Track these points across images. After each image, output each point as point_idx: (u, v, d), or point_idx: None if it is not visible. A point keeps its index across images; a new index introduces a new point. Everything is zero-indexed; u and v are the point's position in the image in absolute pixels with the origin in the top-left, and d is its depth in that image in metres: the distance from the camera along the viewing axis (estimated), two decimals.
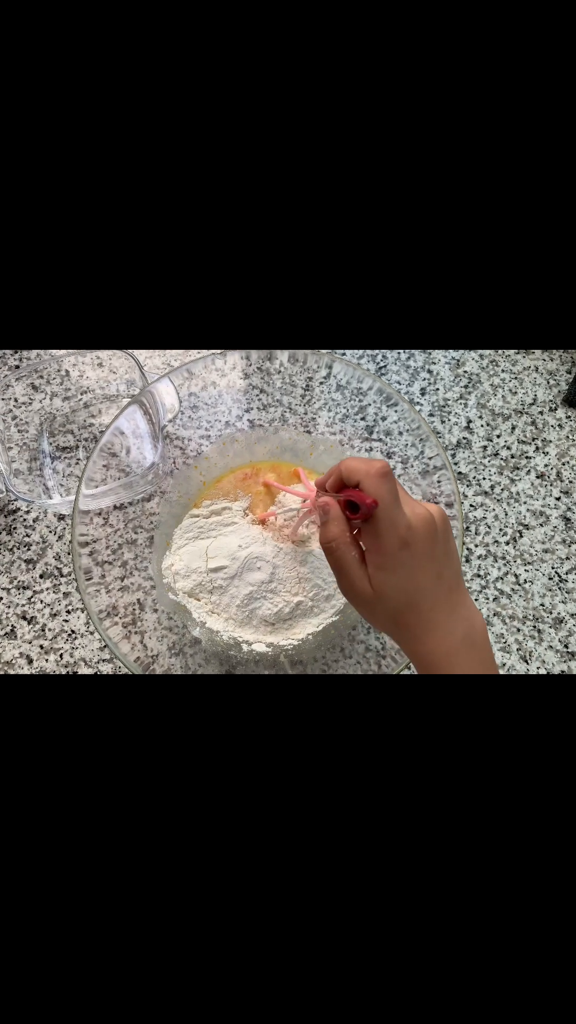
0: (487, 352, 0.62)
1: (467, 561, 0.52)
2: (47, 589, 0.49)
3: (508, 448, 0.57)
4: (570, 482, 0.55)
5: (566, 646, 0.48)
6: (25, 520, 0.52)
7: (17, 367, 0.58)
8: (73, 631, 0.48)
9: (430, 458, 0.45)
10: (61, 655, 0.47)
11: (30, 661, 0.47)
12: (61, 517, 0.52)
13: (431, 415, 0.59)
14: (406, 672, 0.44)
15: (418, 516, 0.28)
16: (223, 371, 0.51)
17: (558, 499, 0.55)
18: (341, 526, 0.29)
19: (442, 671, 0.28)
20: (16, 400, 0.54)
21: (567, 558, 0.52)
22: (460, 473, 0.56)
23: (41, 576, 0.50)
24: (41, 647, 0.47)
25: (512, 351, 0.62)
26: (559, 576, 0.51)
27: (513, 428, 0.58)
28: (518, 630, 0.49)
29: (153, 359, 0.60)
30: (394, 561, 0.27)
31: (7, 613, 0.48)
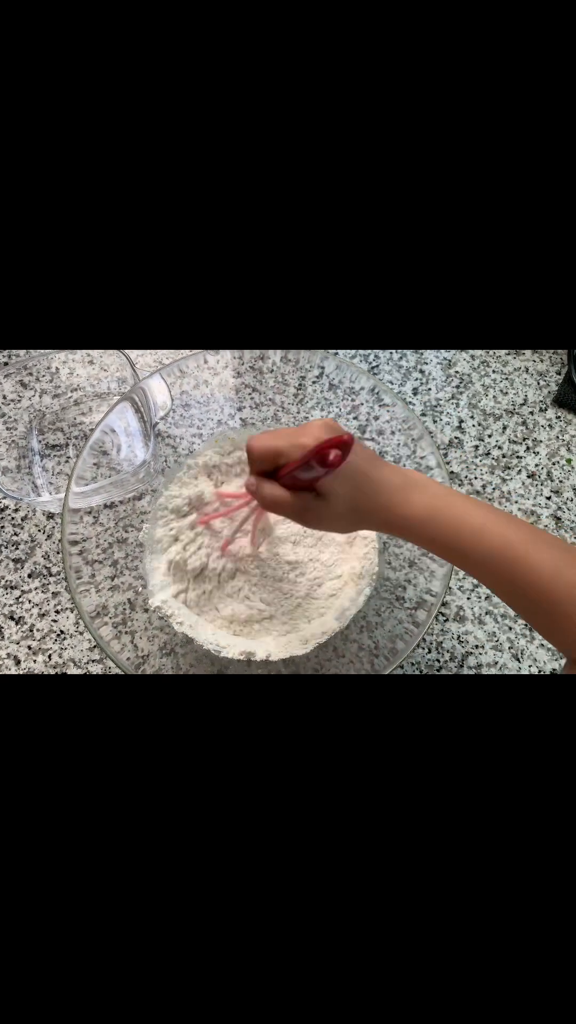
0: (478, 353, 0.62)
1: None
2: (36, 589, 0.48)
3: (499, 448, 0.57)
4: (560, 481, 0.56)
5: None
6: (14, 519, 0.51)
7: (6, 364, 0.57)
8: (62, 631, 0.47)
9: (422, 457, 0.45)
10: (50, 656, 0.46)
11: (18, 662, 0.46)
12: (50, 515, 0.51)
13: (423, 415, 0.59)
14: (398, 672, 0.44)
15: (314, 427, 0.31)
16: (215, 369, 0.50)
17: (548, 498, 0.55)
18: (269, 486, 0.32)
19: (406, 518, 0.31)
20: (4, 397, 0.54)
21: None
22: (452, 472, 0.56)
23: (30, 575, 0.49)
24: (29, 648, 0.46)
25: (503, 352, 0.63)
26: None
27: (504, 428, 0.58)
28: (510, 628, 0.49)
29: (144, 357, 0.60)
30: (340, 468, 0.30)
31: None
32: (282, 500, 0.31)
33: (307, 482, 0.31)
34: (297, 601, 0.46)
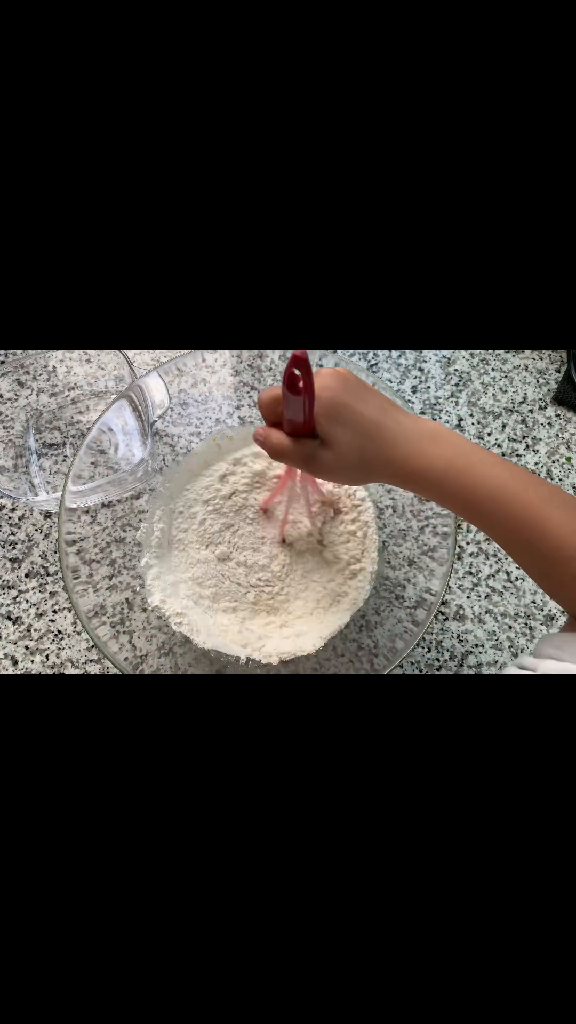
0: (477, 351, 0.62)
1: (459, 559, 0.51)
2: (33, 588, 0.48)
3: (499, 446, 0.57)
4: (560, 480, 0.55)
5: None
6: (10, 518, 0.51)
7: (2, 363, 0.57)
8: (60, 631, 0.47)
9: None
10: (47, 656, 0.46)
11: (15, 662, 0.46)
12: (47, 515, 0.51)
13: (423, 413, 0.59)
14: (397, 671, 0.44)
15: (320, 373, 0.30)
16: (213, 368, 0.50)
17: None
18: (274, 434, 0.31)
19: (424, 473, 0.30)
20: (1, 396, 0.53)
21: None
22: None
23: (27, 575, 0.49)
24: (26, 648, 0.46)
25: (502, 350, 0.63)
26: None
27: (504, 426, 0.58)
28: (510, 627, 0.49)
29: (142, 355, 0.59)
30: (338, 411, 0.30)
31: None
32: (284, 446, 0.31)
33: (301, 425, 0.30)
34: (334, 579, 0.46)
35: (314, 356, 0.50)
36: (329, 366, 0.49)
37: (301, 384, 0.28)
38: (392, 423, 0.30)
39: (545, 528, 0.28)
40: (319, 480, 0.43)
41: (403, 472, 0.30)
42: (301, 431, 0.31)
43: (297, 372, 0.27)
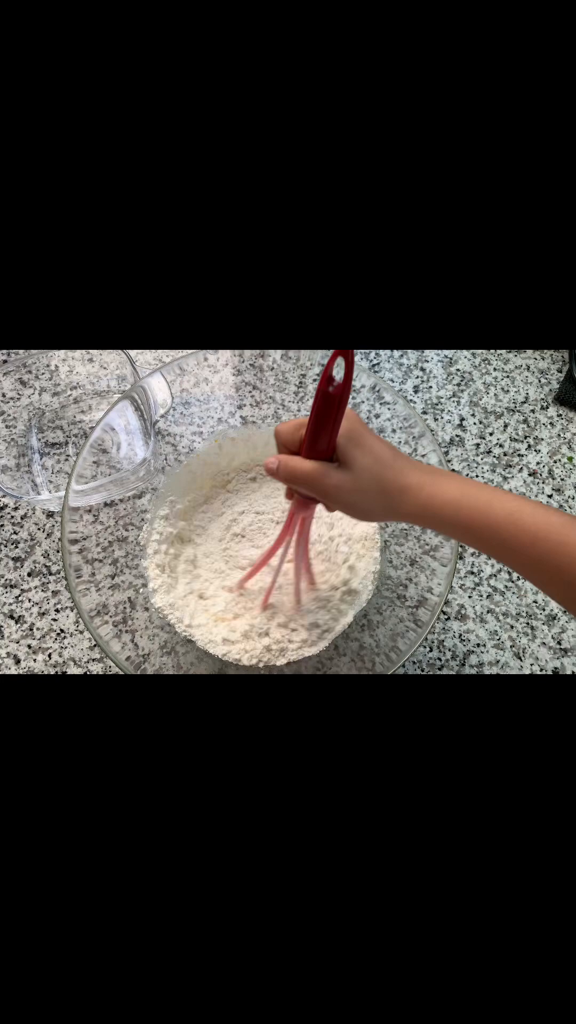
0: (479, 351, 0.62)
1: (461, 559, 0.52)
2: (35, 587, 0.48)
3: (501, 446, 0.57)
4: (562, 480, 0.55)
5: (559, 643, 0.48)
6: (13, 517, 0.51)
7: (5, 362, 0.57)
8: (62, 630, 0.47)
9: (424, 455, 0.45)
10: (50, 655, 0.46)
11: (17, 661, 0.46)
12: (50, 514, 0.51)
13: (424, 412, 0.59)
14: (400, 672, 0.44)
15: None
16: (215, 367, 0.50)
17: (550, 496, 0.55)
18: (290, 458, 0.32)
19: (438, 500, 0.30)
20: (4, 395, 0.53)
21: None
22: (453, 470, 0.56)
23: (29, 574, 0.49)
24: (29, 646, 0.46)
25: (504, 350, 0.63)
26: None
27: (505, 426, 0.58)
28: (511, 627, 0.49)
29: (144, 354, 0.59)
30: (358, 436, 0.31)
31: None
32: (303, 468, 0.31)
33: (323, 448, 0.30)
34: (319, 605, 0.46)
35: (315, 356, 0.50)
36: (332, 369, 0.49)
37: (342, 379, 0.28)
38: (404, 458, 0.31)
39: (569, 550, 0.27)
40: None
41: (418, 500, 0.30)
42: (321, 455, 0.31)
43: (337, 372, 0.27)
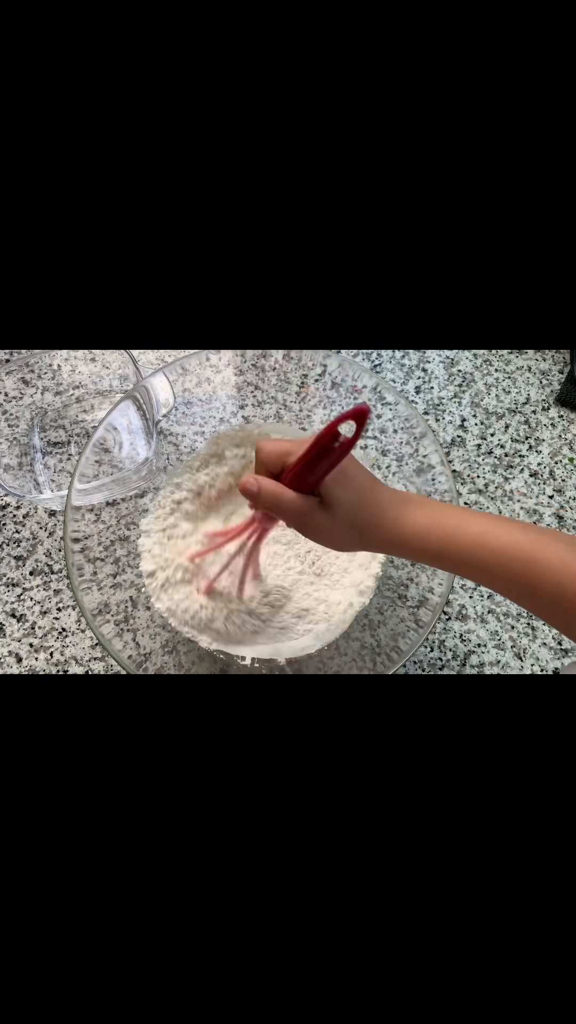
0: (481, 351, 0.62)
1: None
2: (37, 586, 0.48)
3: (502, 447, 0.57)
4: (563, 480, 0.56)
5: (559, 643, 0.48)
6: (15, 516, 0.51)
7: (7, 361, 0.57)
8: (64, 629, 0.47)
9: (425, 456, 0.45)
10: (51, 653, 0.46)
11: (19, 660, 0.46)
12: (52, 513, 0.51)
13: (426, 413, 0.59)
14: (400, 671, 0.44)
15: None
16: (217, 367, 0.50)
17: (551, 497, 0.55)
18: (272, 483, 0.31)
19: (406, 532, 0.31)
20: (6, 394, 0.53)
21: None
22: (454, 471, 0.56)
23: (31, 573, 0.49)
24: (31, 645, 0.46)
25: (505, 350, 0.63)
26: None
27: (507, 427, 0.58)
28: (512, 627, 0.49)
29: (146, 354, 0.60)
30: (342, 471, 0.30)
31: None
32: (285, 499, 0.30)
33: (313, 481, 0.30)
34: (282, 625, 0.45)
35: (317, 356, 0.50)
36: (333, 367, 0.49)
37: (341, 443, 0.27)
38: (379, 492, 0.31)
39: (538, 567, 0.27)
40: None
41: (390, 535, 0.31)
42: (303, 488, 0.31)
43: (357, 425, 0.26)
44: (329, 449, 0.28)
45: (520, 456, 0.57)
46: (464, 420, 0.58)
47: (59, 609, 0.48)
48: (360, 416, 0.26)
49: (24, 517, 0.51)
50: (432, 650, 0.48)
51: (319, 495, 0.31)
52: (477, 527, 0.29)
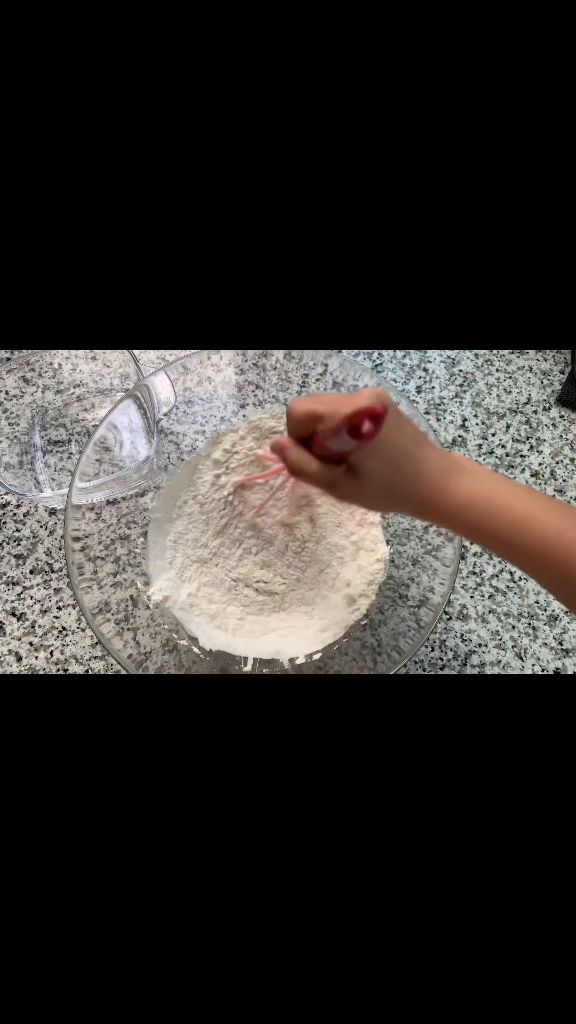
0: (482, 351, 0.62)
1: (463, 558, 0.52)
2: (37, 585, 0.48)
3: (503, 447, 0.57)
4: (564, 481, 0.55)
5: (560, 643, 0.48)
6: (15, 515, 0.51)
7: (8, 359, 0.57)
8: (64, 628, 0.47)
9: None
10: (51, 652, 0.46)
11: (19, 659, 0.46)
12: (52, 512, 0.51)
13: (426, 413, 0.59)
14: (401, 671, 0.44)
15: (363, 395, 0.28)
16: (218, 366, 0.50)
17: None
18: (298, 451, 0.29)
19: (443, 504, 0.29)
20: (7, 393, 0.53)
21: None
22: None
23: (31, 572, 0.49)
24: (31, 644, 0.46)
25: (506, 350, 0.63)
26: None
27: (508, 427, 0.58)
28: (513, 627, 0.49)
29: (148, 353, 0.60)
30: (375, 443, 0.28)
31: None
32: (309, 468, 0.29)
33: (338, 454, 0.28)
34: (319, 570, 0.46)
35: (318, 356, 0.50)
36: (334, 366, 0.49)
37: (366, 431, 0.25)
38: (422, 455, 0.30)
39: None
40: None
41: (426, 505, 0.30)
42: (334, 458, 0.29)
43: (372, 425, 0.25)
44: (346, 440, 0.26)
45: (521, 456, 0.57)
46: (465, 420, 0.58)
47: (59, 608, 0.48)
48: (377, 418, 0.25)
49: (24, 516, 0.51)
50: (433, 650, 0.48)
51: (347, 464, 0.29)
52: (522, 510, 0.28)
